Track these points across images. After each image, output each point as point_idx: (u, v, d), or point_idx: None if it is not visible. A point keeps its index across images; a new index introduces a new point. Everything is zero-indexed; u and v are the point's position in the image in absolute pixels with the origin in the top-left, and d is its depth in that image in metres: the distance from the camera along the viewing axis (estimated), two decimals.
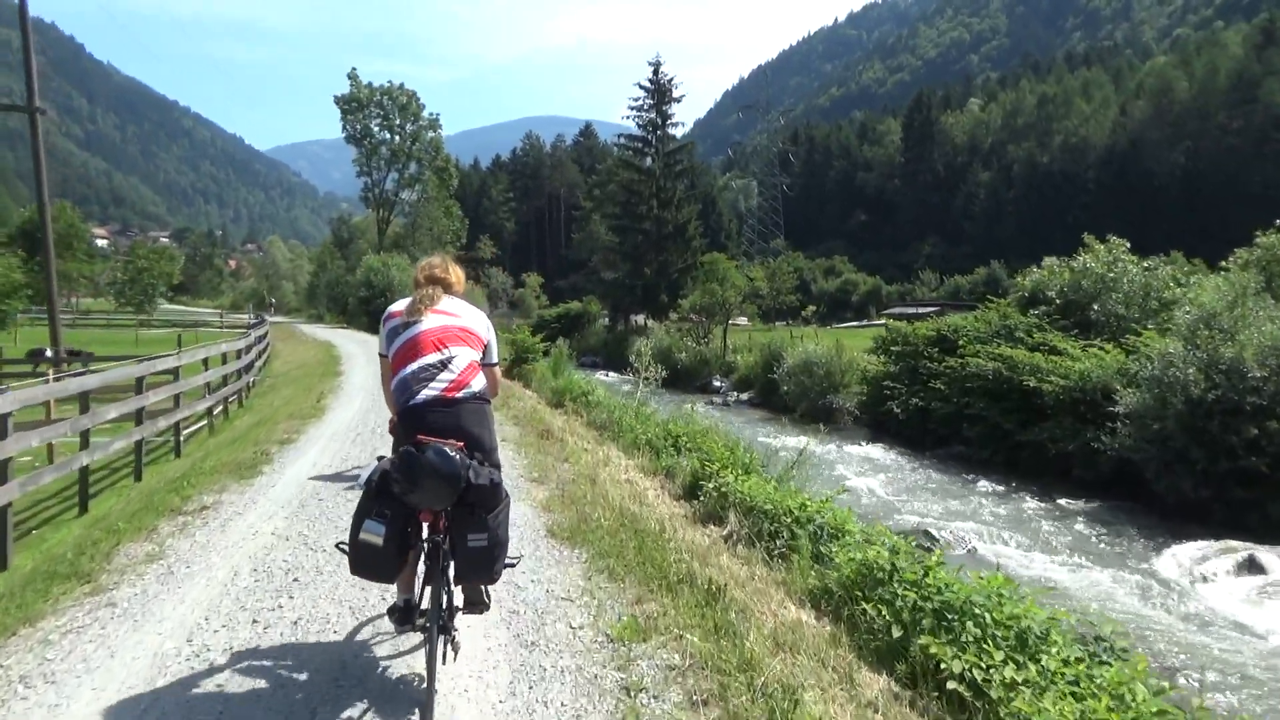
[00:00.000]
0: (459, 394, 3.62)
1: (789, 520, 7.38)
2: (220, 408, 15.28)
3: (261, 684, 3.68)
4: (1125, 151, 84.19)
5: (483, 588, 3.91)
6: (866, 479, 19.66)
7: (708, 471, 8.83)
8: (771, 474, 10.14)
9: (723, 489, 8.34)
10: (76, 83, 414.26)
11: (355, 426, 10.98)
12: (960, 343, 23.91)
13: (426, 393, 3.59)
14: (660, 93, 54.28)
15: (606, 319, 60.35)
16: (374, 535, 3.37)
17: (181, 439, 12.06)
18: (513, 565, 3.86)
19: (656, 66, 54.59)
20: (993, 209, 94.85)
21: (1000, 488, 17.92)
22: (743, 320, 51.41)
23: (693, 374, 40.58)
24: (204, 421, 14.07)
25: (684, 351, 41.96)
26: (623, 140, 55.68)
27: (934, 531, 14.40)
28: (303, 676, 3.77)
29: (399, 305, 3.93)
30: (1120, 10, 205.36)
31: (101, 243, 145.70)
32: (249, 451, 8.97)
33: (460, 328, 3.81)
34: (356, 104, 54.64)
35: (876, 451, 23.08)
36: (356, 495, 3.58)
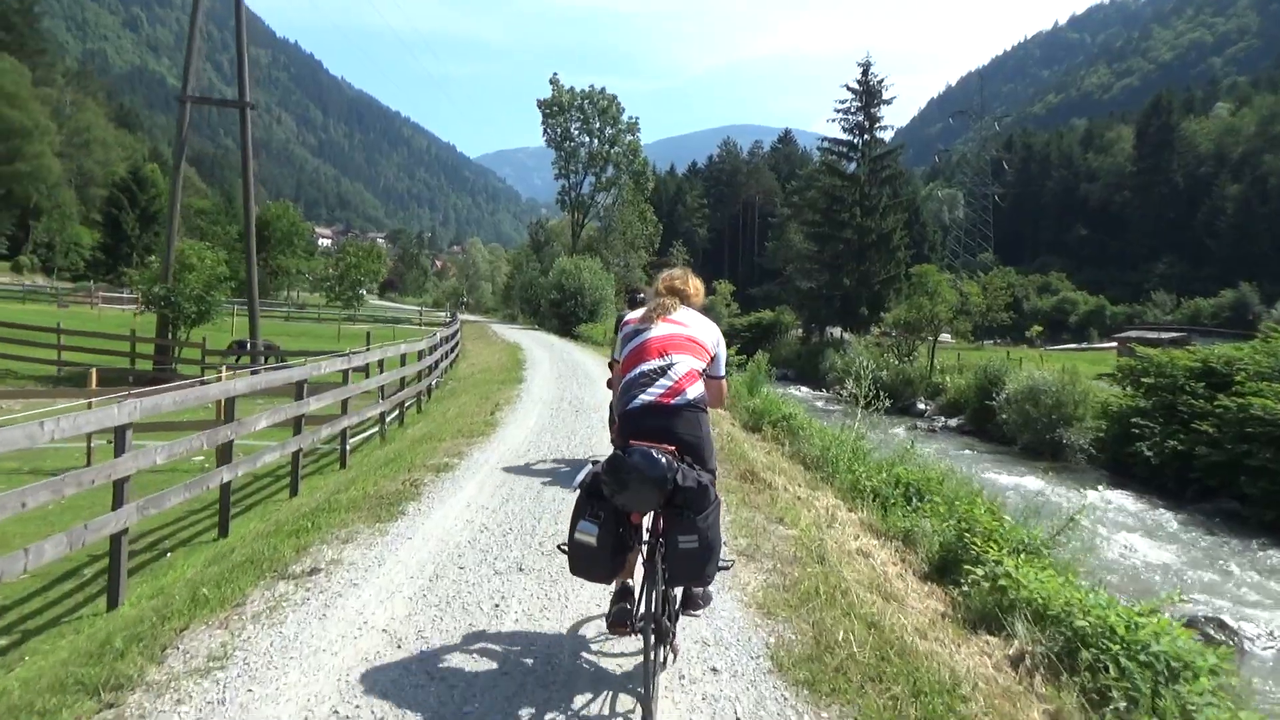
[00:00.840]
0: (674, 400, 3.65)
1: (1116, 648, 5.02)
2: (396, 413, 14.34)
3: None
4: None
5: (695, 589, 3.87)
6: (1118, 534, 16.51)
7: (969, 547, 6.54)
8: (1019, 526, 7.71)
9: (998, 580, 6.04)
10: (314, 96, 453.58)
11: (526, 451, 9.42)
12: (1236, 378, 19.94)
13: (643, 398, 3.65)
14: (869, 94, 51.13)
15: (800, 330, 57.63)
16: (588, 535, 3.45)
17: (348, 448, 10.99)
18: (726, 568, 3.95)
19: (866, 67, 51.53)
20: (1243, 225, 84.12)
21: None
22: (945, 337, 47.41)
23: (894, 394, 37.31)
24: (376, 428, 13.09)
25: (885, 369, 38.74)
26: (826, 144, 52.89)
27: (1228, 619, 11.36)
28: None
29: (635, 313, 4.07)
30: None
31: (325, 242, 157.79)
32: (399, 480, 7.53)
33: (687, 336, 3.85)
34: (558, 108, 54.80)
35: (1122, 499, 19.62)
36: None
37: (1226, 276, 78.31)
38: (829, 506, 7.86)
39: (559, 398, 14.37)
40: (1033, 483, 21.43)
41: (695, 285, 4.14)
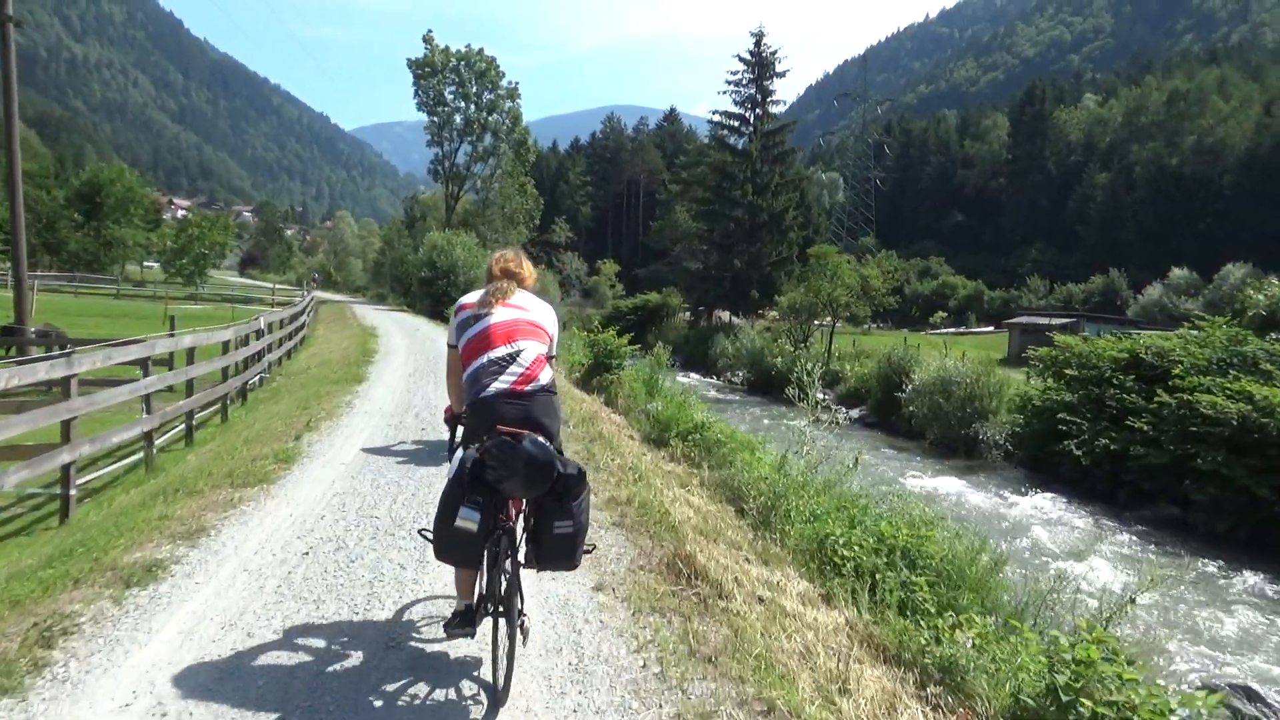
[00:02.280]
0: (528, 387, 3.66)
1: None
2: (182, 427, 10.75)
3: None
4: (1270, 155, 75.60)
5: (526, 623, 3.80)
6: (1051, 545, 14.57)
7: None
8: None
9: None
10: (174, 58, 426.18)
11: (327, 507, 6.16)
12: (1174, 372, 18.33)
13: (497, 385, 3.63)
14: (761, 65, 48.92)
15: (689, 313, 55.28)
16: (470, 521, 3.40)
17: (72, 494, 7.44)
18: (589, 551, 3.84)
19: (759, 37, 49.28)
20: (1111, 213, 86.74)
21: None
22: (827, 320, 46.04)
23: (787, 381, 35.36)
24: (141, 453, 9.50)
25: (779, 355, 36.75)
26: (717, 117, 50.36)
27: (1256, 687, 9.16)
28: None
29: (470, 297, 4.00)
30: (1238, 12, 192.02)
31: (183, 213, 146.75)
32: (102, 568, 4.21)
33: (529, 321, 3.86)
34: (431, 69, 50.33)
35: (1047, 504, 17.85)
36: None
37: (1095, 263, 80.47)
38: (817, 624, 4.87)
39: (403, 407, 11.07)
40: (951, 484, 19.45)
41: (529, 268, 4.16)
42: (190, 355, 11.10)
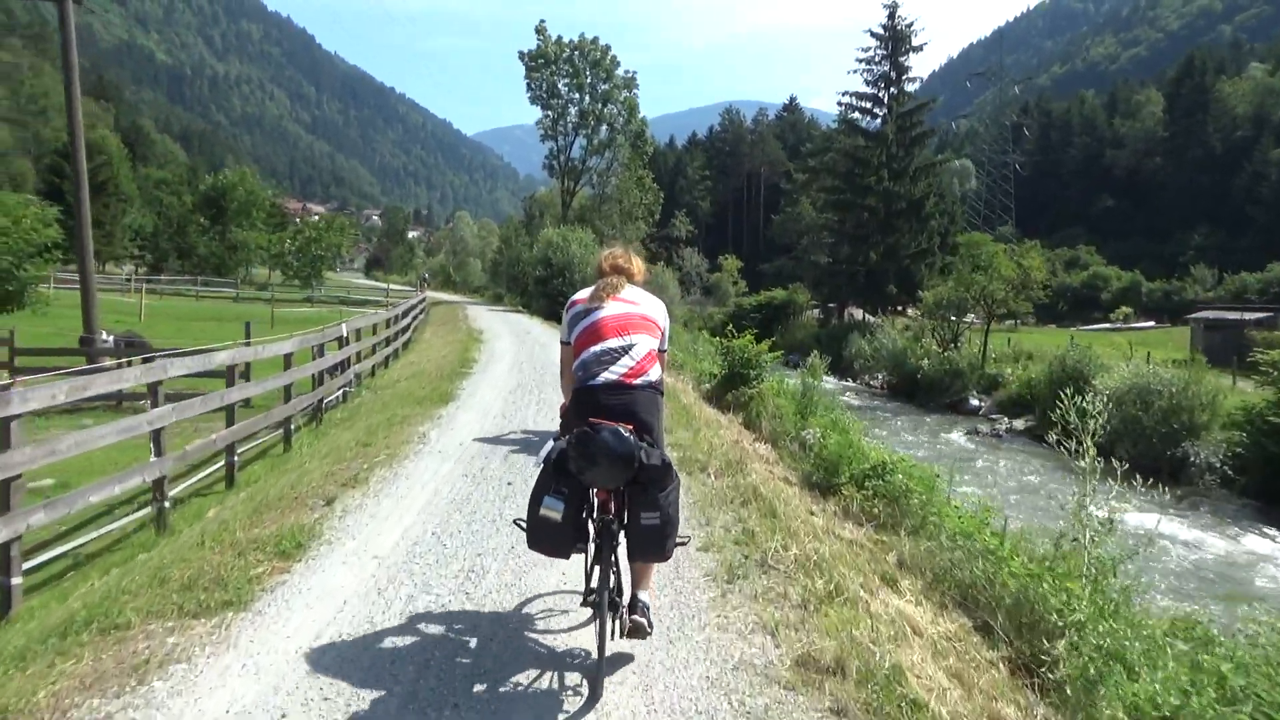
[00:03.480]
0: (636, 380, 3.70)
1: None
2: (220, 465, 8.58)
3: None
4: None
5: (643, 619, 3.61)
6: None
7: None
8: None
9: None
10: (307, 72, 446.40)
11: (388, 584, 3.65)
12: None
13: (606, 375, 3.69)
14: (896, 40, 44.89)
15: (818, 311, 51.71)
16: (553, 511, 3.48)
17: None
18: (684, 544, 3.87)
19: (893, 9, 45.24)
20: None
21: None
22: (970, 318, 41.70)
23: (937, 387, 31.63)
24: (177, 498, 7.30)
25: (925, 356, 33.06)
26: (846, 99, 46.62)
27: None
28: None
29: (583, 294, 4.04)
30: None
31: (317, 218, 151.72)
32: None
33: (641, 315, 3.90)
34: (543, 60, 48.51)
35: None
36: None
37: (1273, 247, 72.12)
38: None
39: (491, 443, 8.60)
40: (1164, 522, 15.78)
41: (638, 264, 4.18)
42: (233, 374, 8.89)
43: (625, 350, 3.71)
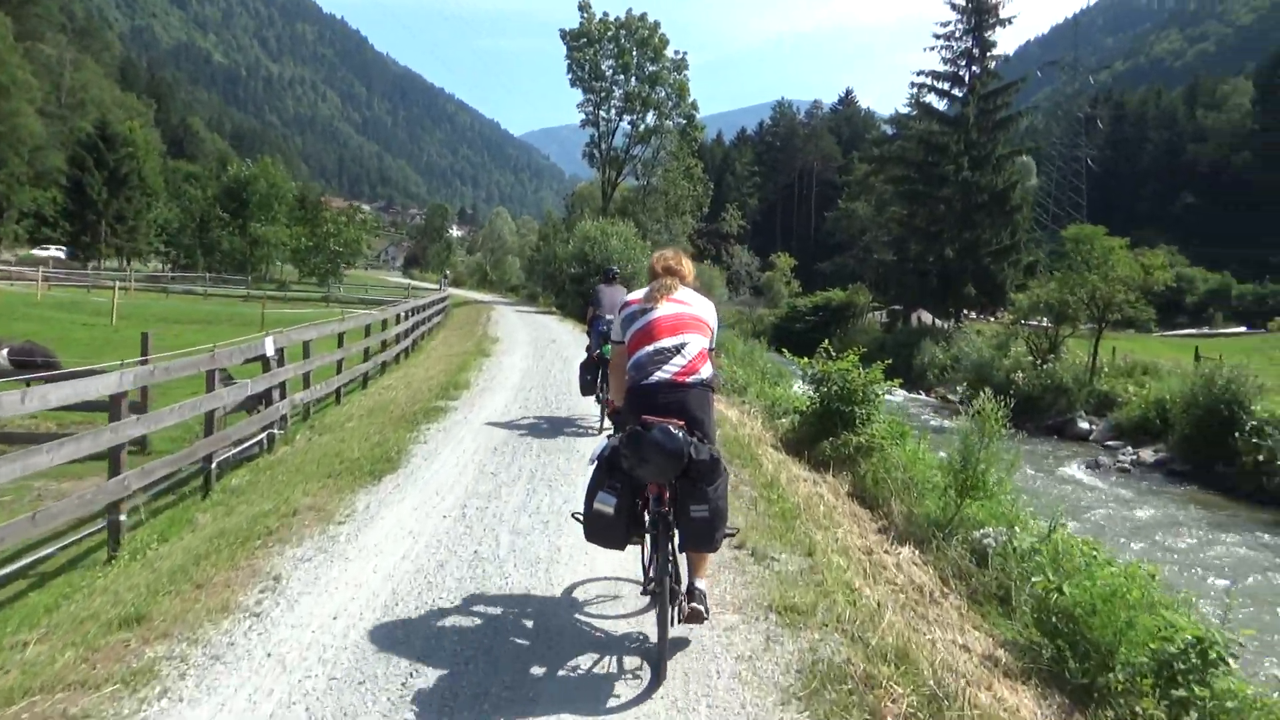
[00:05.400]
0: (689, 379, 3.84)
1: None
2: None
3: None
4: None
5: (700, 605, 3.78)
6: None
7: None
8: None
9: None
10: (358, 73, 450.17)
11: None
12: None
13: (659, 375, 3.82)
14: (979, 11, 39.92)
15: (883, 314, 46.96)
16: (606, 506, 3.69)
17: None
18: (732, 535, 4.16)
19: None
20: None
21: None
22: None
23: (1034, 405, 26.87)
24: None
25: (1018, 369, 28.33)
26: (922, 78, 41.68)
27: None
28: None
29: (637, 294, 4.21)
30: None
31: (362, 216, 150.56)
32: None
33: (693, 315, 4.02)
34: (586, 39, 44.36)
35: None
36: None
37: None
38: None
39: (426, 589, 4.44)
40: None
41: (688, 265, 4.33)
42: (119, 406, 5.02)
43: (678, 350, 3.87)
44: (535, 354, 16.88)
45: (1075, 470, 20.81)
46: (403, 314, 18.42)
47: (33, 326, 21.96)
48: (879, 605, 4.47)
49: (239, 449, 8.81)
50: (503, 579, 4.70)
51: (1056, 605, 4.93)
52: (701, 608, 3.77)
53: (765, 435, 10.62)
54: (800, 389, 17.44)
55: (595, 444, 3.92)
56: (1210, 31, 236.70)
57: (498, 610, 4.26)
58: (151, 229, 59.56)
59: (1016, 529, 6.67)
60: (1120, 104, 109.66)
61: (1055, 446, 23.98)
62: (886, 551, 6.28)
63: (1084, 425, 24.89)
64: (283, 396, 9.92)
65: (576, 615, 4.31)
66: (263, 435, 9.36)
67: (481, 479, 6.87)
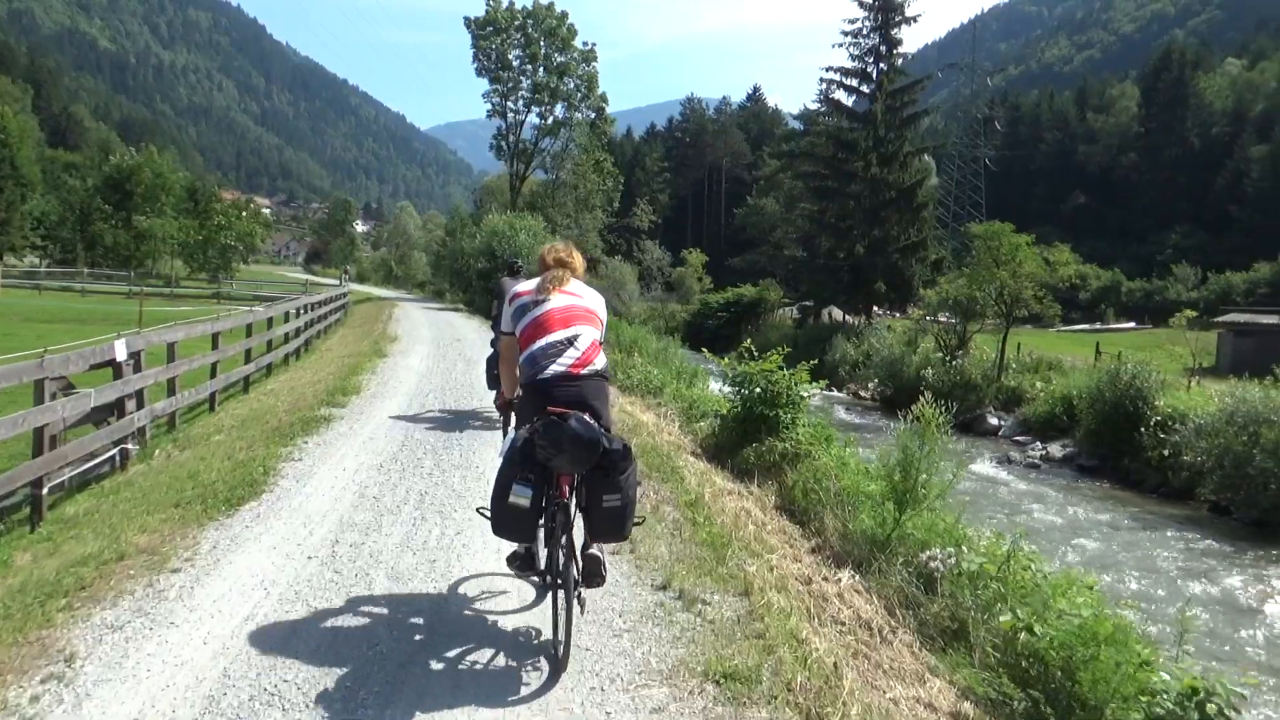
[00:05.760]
0: (584, 370, 3.81)
1: None
2: None
3: None
4: None
5: (600, 561, 3.81)
6: None
7: None
8: None
9: None
10: (256, 62, 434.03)
11: None
12: None
13: (554, 368, 3.78)
14: (886, 9, 40.16)
15: (794, 310, 46.99)
16: (523, 498, 3.59)
17: None
18: (640, 523, 4.04)
19: None
20: (1272, 190, 74.92)
21: None
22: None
23: (944, 401, 26.98)
24: None
25: (930, 366, 28.39)
26: (831, 74, 41.73)
27: None
28: None
29: (526, 285, 4.15)
30: None
31: (264, 212, 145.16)
32: None
33: (584, 308, 4.02)
34: (492, 28, 43.00)
35: None
36: None
37: (1257, 247, 69.02)
38: None
39: None
40: None
41: (579, 259, 4.31)
42: None
43: (570, 342, 3.84)
44: (437, 353, 15.75)
45: (987, 467, 20.78)
46: (292, 312, 17.01)
47: None
48: (835, 667, 3.70)
49: (81, 469, 7.58)
50: (369, 646, 3.76)
51: (1026, 647, 4.27)
52: (599, 572, 3.79)
53: (684, 441, 9.87)
54: (718, 388, 16.87)
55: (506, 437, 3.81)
56: (1096, 39, 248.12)
57: (364, 693, 3.33)
58: (26, 221, 55.42)
59: (964, 548, 6.04)
60: (1016, 106, 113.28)
61: (967, 441, 24.02)
62: (825, 579, 5.56)
63: (993, 421, 24.99)
64: (140, 406, 8.68)
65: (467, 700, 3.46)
66: (115, 451, 8.13)
67: (360, 506, 5.88)
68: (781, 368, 9.44)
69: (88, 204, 49.94)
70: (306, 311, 19.12)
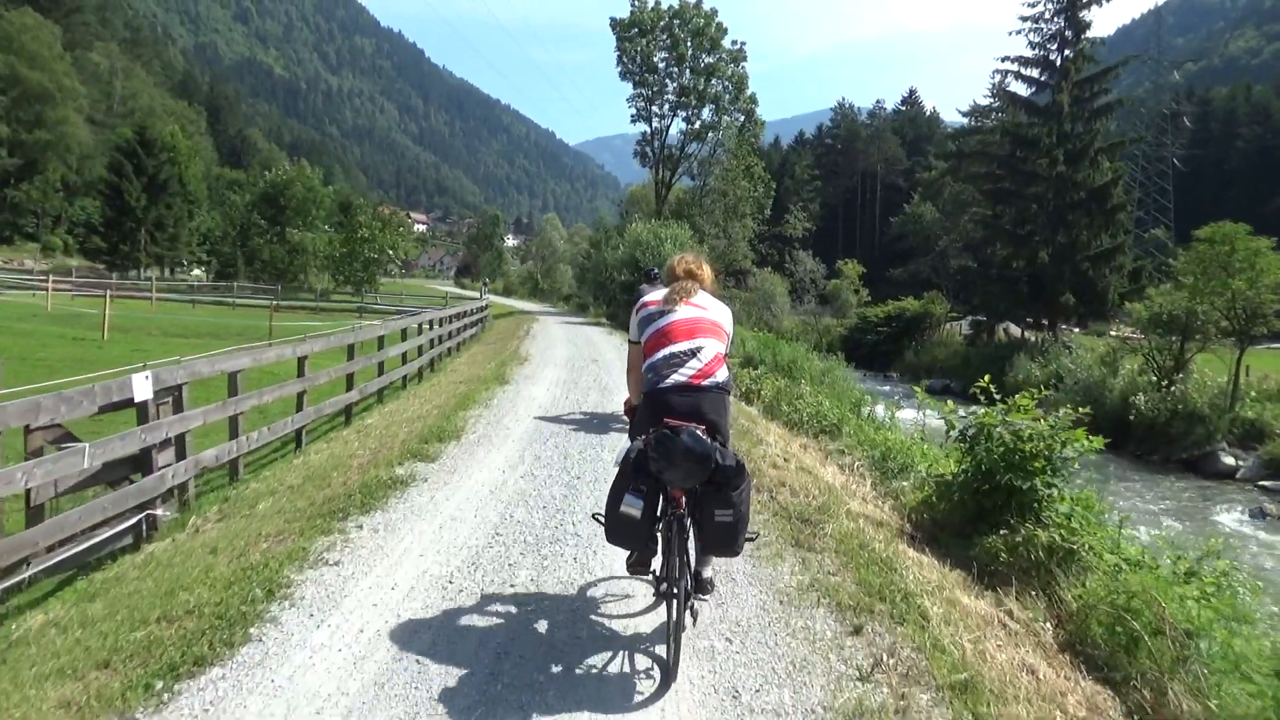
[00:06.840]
0: (704, 382, 3.76)
1: None
2: None
3: None
4: None
5: (708, 575, 3.96)
6: None
7: None
8: None
9: None
10: (416, 85, 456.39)
11: None
12: None
13: (675, 378, 3.75)
14: None
15: (964, 325, 42.83)
16: (633, 509, 3.58)
17: None
18: (752, 539, 3.99)
19: None
20: None
21: None
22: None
23: (1161, 434, 22.82)
24: None
25: (1140, 392, 24.25)
26: (1007, 64, 37.60)
27: None
28: None
29: (654, 295, 4.14)
30: None
31: (420, 228, 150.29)
32: None
33: (710, 320, 3.97)
34: (638, 29, 41.18)
35: None
36: None
37: None
38: None
39: None
40: None
41: (708, 271, 4.27)
42: None
43: (693, 353, 3.81)
44: (568, 379, 13.54)
45: (1229, 518, 17.02)
46: (413, 328, 15.26)
47: (9, 341, 19.45)
48: None
49: (76, 550, 5.65)
50: None
51: None
52: (706, 591, 3.95)
53: (887, 514, 7.17)
54: (911, 420, 13.85)
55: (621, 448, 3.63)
56: None
57: None
58: (194, 237, 57.98)
59: None
60: (1206, 100, 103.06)
61: (1194, 484, 20.06)
62: None
63: (1228, 460, 20.85)
64: (180, 457, 6.78)
65: None
66: (139, 519, 6.21)
67: (391, 685, 3.52)
68: (1037, 415, 6.63)
69: (247, 219, 51.52)
70: (434, 327, 17.44)
